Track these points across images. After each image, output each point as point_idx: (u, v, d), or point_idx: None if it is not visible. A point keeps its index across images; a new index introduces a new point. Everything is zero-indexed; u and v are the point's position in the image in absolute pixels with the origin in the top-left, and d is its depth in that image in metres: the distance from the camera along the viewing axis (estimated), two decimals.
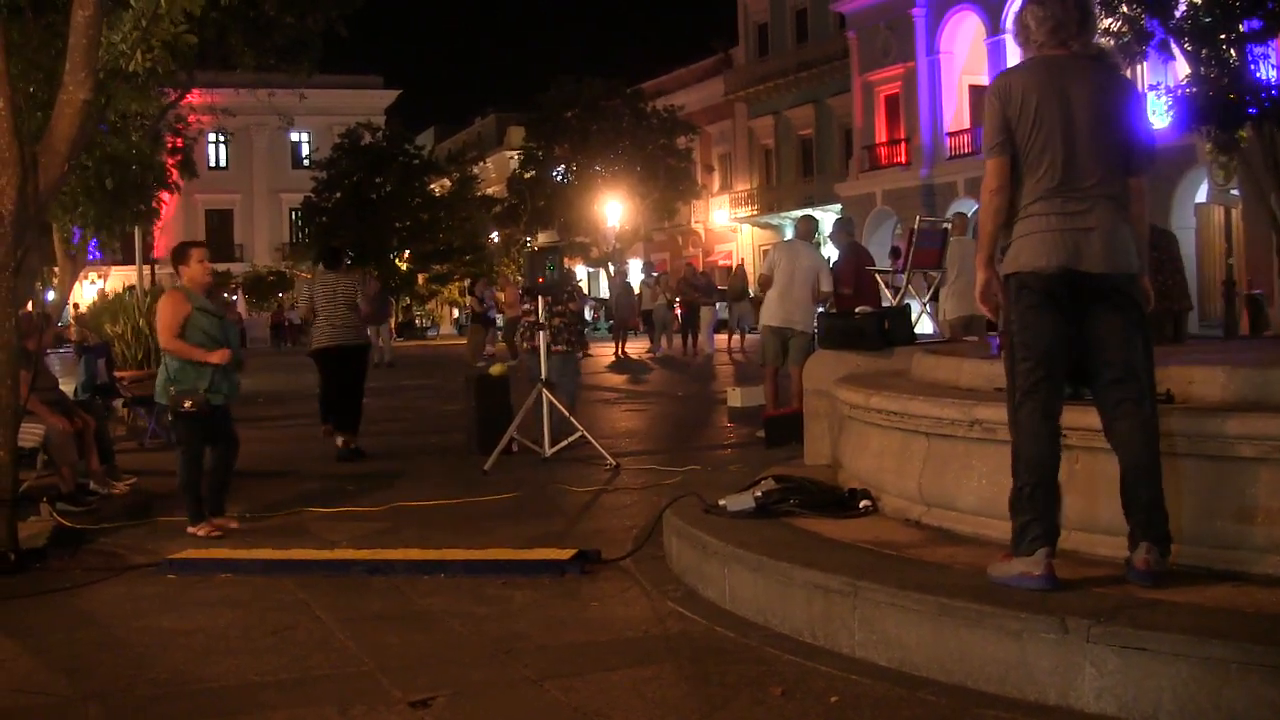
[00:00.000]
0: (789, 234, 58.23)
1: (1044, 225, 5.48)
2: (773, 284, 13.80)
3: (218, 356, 9.39)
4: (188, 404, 9.20)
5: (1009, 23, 41.60)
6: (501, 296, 30.54)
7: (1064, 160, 5.47)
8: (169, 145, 25.52)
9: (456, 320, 69.21)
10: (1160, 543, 5.34)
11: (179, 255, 9.63)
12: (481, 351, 30.31)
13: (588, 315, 45.69)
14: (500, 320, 32.87)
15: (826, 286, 13.84)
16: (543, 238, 13.90)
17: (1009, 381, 5.61)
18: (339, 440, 13.74)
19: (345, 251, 15.55)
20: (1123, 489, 5.44)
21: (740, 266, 41.98)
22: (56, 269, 24.79)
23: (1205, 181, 34.84)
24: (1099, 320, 5.48)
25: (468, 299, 38.03)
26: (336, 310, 13.83)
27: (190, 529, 9.17)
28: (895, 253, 24.42)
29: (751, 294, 29.95)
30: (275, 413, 17.81)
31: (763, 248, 56.93)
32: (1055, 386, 5.49)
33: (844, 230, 15.90)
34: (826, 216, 56.83)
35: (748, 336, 33.05)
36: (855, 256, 15.28)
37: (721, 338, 34.66)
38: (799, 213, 58.13)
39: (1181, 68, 25.47)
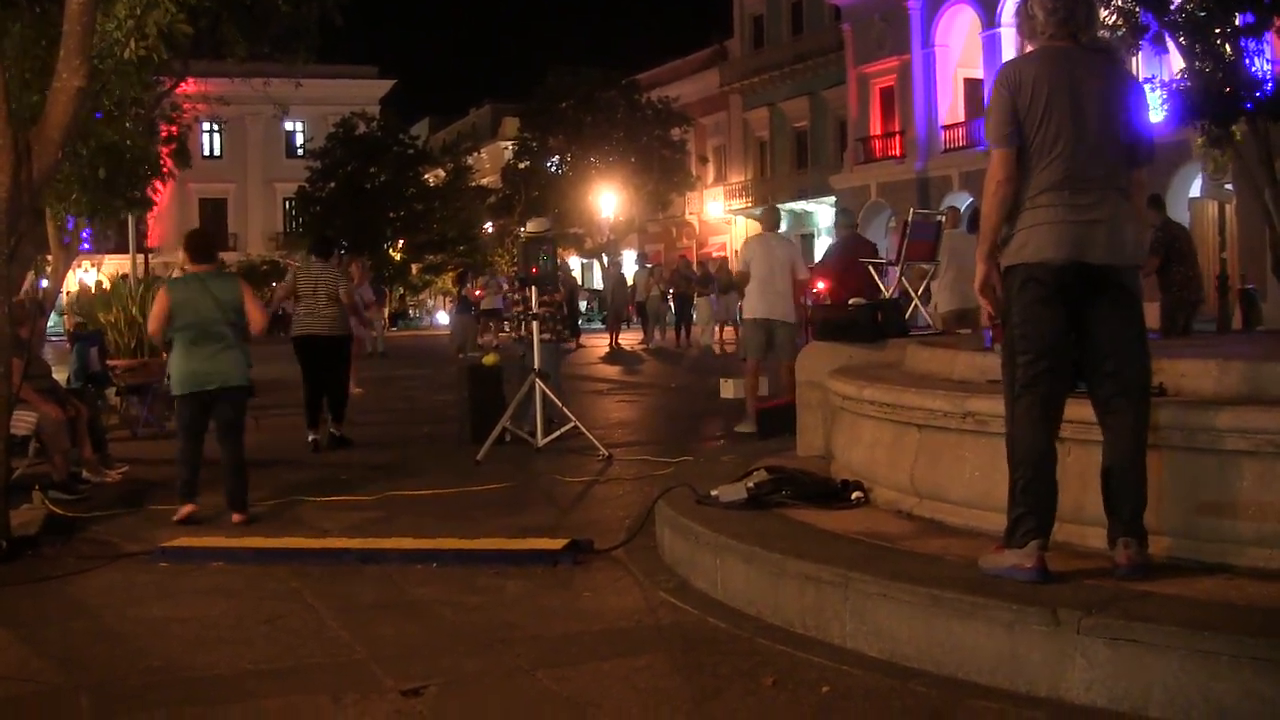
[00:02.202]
0: (783, 226, 58.44)
1: (1052, 217, 5.45)
2: (750, 279, 13.81)
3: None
4: None
5: (1004, 16, 41.65)
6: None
7: (1073, 152, 5.45)
8: (163, 134, 25.45)
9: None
10: (1139, 536, 5.36)
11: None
12: (472, 341, 30.24)
13: (581, 306, 45.66)
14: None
15: (802, 274, 13.91)
16: (532, 226, 13.84)
17: (1007, 374, 5.60)
18: (331, 428, 13.82)
19: (338, 242, 15.55)
20: (1108, 481, 5.45)
21: (724, 260, 41.94)
22: (50, 257, 24.72)
23: (1200, 176, 34.79)
24: (1099, 313, 5.47)
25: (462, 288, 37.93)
26: (316, 300, 13.88)
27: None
28: None
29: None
30: (267, 402, 17.75)
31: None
32: (1056, 380, 5.48)
33: (841, 223, 15.89)
34: (820, 209, 56.90)
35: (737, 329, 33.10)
36: (845, 250, 15.25)
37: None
38: (794, 205, 58.21)
39: (1176, 62, 25.44)
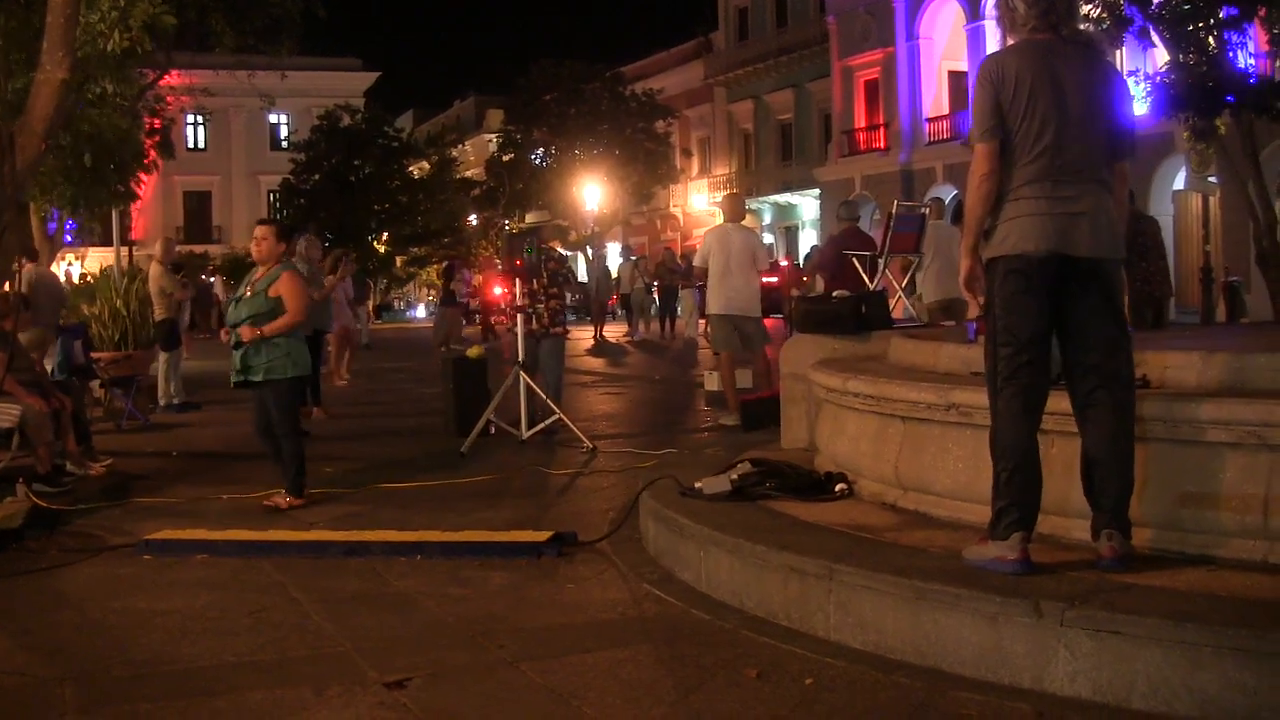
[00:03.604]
0: (768, 218, 58.46)
1: (1034, 209, 5.46)
2: (709, 273, 13.79)
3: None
4: None
5: (988, 8, 41.67)
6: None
7: (1056, 144, 5.45)
8: (147, 126, 25.42)
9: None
10: (1123, 528, 5.38)
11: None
12: (456, 335, 30.16)
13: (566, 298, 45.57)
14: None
15: (763, 264, 13.89)
16: (531, 216, 13.80)
17: (989, 366, 5.60)
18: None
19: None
20: (1089, 474, 5.47)
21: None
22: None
23: (1183, 169, 34.91)
24: (1081, 305, 5.47)
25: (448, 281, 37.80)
26: None
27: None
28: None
29: None
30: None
31: None
32: (1037, 372, 5.48)
33: (842, 215, 15.89)
34: (805, 201, 56.93)
35: None
36: (834, 243, 15.26)
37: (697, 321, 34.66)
38: (778, 197, 58.19)
39: (1160, 55, 25.50)
